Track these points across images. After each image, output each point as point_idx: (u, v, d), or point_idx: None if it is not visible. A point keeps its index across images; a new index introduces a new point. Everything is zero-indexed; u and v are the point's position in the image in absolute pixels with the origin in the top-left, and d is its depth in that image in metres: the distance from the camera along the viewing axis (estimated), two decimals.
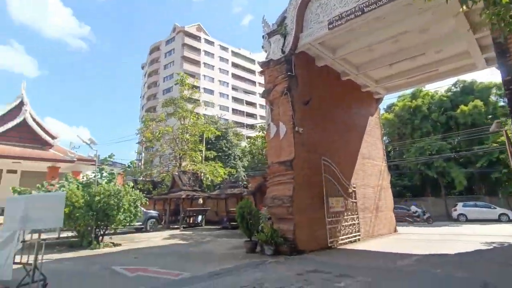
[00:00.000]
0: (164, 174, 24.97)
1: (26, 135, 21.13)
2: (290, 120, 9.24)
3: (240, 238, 13.06)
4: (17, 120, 21.00)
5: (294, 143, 9.15)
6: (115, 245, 11.20)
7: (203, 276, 6.41)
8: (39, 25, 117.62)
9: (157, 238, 13.51)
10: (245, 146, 34.09)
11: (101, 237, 11.16)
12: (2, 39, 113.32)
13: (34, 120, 22.12)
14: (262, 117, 64.87)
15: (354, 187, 11.72)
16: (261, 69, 10.62)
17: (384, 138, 24.54)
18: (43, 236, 6.50)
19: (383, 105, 17.15)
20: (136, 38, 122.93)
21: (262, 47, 10.58)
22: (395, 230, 14.09)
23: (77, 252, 9.68)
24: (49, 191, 11.04)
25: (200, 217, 19.06)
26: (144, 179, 24.21)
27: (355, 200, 11.59)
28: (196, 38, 61.10)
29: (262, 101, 67.35)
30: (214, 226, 18.88)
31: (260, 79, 69.11)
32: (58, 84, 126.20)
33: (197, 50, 60.07)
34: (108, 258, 8.75)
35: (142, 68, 72.25)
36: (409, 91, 27.99)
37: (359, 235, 11.29)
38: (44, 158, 20.28)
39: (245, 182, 22.81)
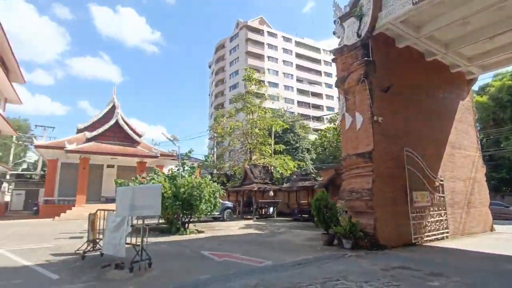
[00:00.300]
0: (236, 168, 26.20)
1: (119, 134, 24.47)
2: (367, 109, 8.70)
3: (313, 230, 13.00)
4: (111, 121, 24.44)
5: (372, 134, 8.61)
6: (198, 232, 12.24)
7: (286, 265, 6.57)
8: (121, 36, 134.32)
9: (234, 227, 14.30)
10: (315, 139, 33.45)
11: (186, 224, 12.32)
12: (95, 52, 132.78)
13: (124, 121, 25.46)
14: (328, 108, 62.77)
15: (442, 180, 10.60)
16: (333, 57, 10.19)
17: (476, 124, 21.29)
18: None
19: (474, 87, 14.65)
20: (202, 38, 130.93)
21: (334, 33, 10.11)
22: (492, 229, 12.30)
23: (168, 237, 10.86)
24: (142, 183, 12.60)
25: (271, 209, 19.53)
26: (218, 172, 25.84)
27: (443, 195, 10.52)
28: (259, 31, 61.87)
29: (329, 91, 65.22)
30: (286, 218, 19.14)
31: (326, 68, 66.65)
32: (137, 88, 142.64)
33: (260, 44, 60.85)
34: (196, 244, 9.62)
35: (209, 66, 76.46)
36: (510, 68, 23.59)
37: (447, 233, 10.26)
38: (136, 154, 23.23)
39: (313, 175, 22.49)
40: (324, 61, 67.44)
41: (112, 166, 25.50)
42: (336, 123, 27.30)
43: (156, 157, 23.58)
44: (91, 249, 7.30)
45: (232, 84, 59.29)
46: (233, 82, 59.27)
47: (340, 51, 9.70)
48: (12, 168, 34.18)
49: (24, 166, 42.96)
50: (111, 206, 13.02)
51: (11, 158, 36.85)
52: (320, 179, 21.35)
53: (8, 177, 32.36)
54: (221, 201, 14.84)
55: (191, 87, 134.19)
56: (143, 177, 13.54)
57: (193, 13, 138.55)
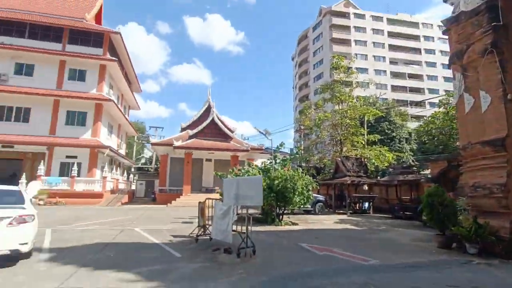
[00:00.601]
0: (325, 160, 25.42)
1: (214, 131, 26.71)
2: (498, 85, 7.07)
3: (420, 229, 11.58)
4: (208, 120, 26.82)
5: (506, 116, 6.96)
6: (293, 223, 12.36)
7: (396, 266, 5.97)
8: (210, 41, 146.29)
9: (328, 221, 13.92)
10: (419, 126, 29.60)
11: (281, 216, 12.59)
12: (189, 59, 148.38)
13: (218, 118, 27.63)
14: (431, 90, 54.75)
15: None
16: (445, 28, 8.65)
17: None
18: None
19: None
20: (284, 32, 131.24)
21: (445, 0, 8.58)
22: None
23: (264, 227, 11.27)
24: (238, 175, 13.42)
25: (367, 204, 18.24)
26: (307, 165, 25.60)
27: None
28: (344, 15, 58.16)
29: (431, 71, 56.92)
30: (383, 214, 17.60)
31: (427, 44, 58.39)
32: (225, 87, 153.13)
33: (346, 28, 57.18)
34: (292, 235, 9.73)
35: (292, 59, 76.22)
36: None
37: None
38: (230, 148, 25.03)
39: (414, 168, 20.01)
40: (424, 36, 58.82)
41: (210, 160, 28.11)
42: (448, 107, 23.38)
43: (247, 150, 24.92)
44: (202, 234, 8.15)
45: (317, 75, 57.60)
46: (318, 72, 57.52)
47: (456, 19, 8.14)
48: (135, 163, 41.50)
49: (143, 161, 51.51)
50: (211, 195, 14.38)
51: (134, 154, 44.83)
52: (425, 172, 18.84)
53: (132, 170, 39.41)
54: (313, 194, 14.63)
55: (274, 82, 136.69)
56: (238, 169, 14.41)
57: (274, 8, 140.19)
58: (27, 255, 5.67)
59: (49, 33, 24.24)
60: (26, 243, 5.36)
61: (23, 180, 19.30)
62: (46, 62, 23.49)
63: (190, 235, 8.57)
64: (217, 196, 15.72)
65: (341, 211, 18.62)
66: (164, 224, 11.48)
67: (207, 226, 8.18)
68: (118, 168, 31.65)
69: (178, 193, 24.28)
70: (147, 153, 52.54)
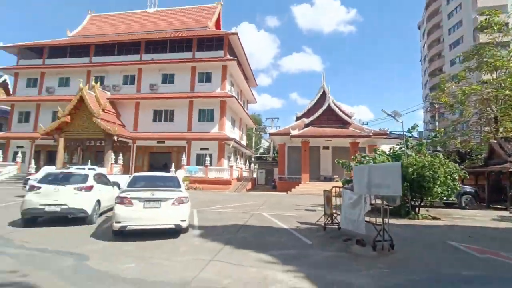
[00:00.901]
0: (471, 144, 20.56)
1: (331, 117, 25.73)
2: None
3: None
4: (324, 106, 26.03)
5: None
6: (433, 218, 10.57)
7: None
8: (319, 26, 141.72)
9: (482, 218, 11.24)
10: None
11: (417, 208, 10.96)
12: (298, 48, 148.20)
13: (334, 104, 26.46)
14: None
15: None
16: None
17: None
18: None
19: None
20: None
21: None
22: None
23: (397, 220, 9.98)
24: (361, 163, 12.40)
25: None
26: (446, 150, 21.40)
27: None
28: None
29: None
30: None
31: None
32: (337, 72, 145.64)
33: None
34: (435, 231, 8.32)
35: (419, 28, 65.20)
36: None
37: None
38: (349, 135, 23.71)
39: None
40: None
41: (327, 148, 27.40)
42: None
43: (368, 136, 23.01)
44: (329, 222, 7.91)
45: (454, 41, 47.12)
46: (455, 37, 46.97)
47: None
48: (254, 152, 44.99)
49: (261, 150, 55.34)
50: (331, 184, 13.77)
51: (253, 144, 48.71)
52: None
53: (253, 159, 42.88)
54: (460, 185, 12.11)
55: (394, 59, 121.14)
56: (362, 156, 13.37)
57: None
58: (185, 230, 6.84)
59: (182, 45, 28.81)
60: (184, 220, 6.48)
61: (172, 169, 23.78)
62: (182, 70, 28.05)
63: (317, 222, 8.48)
64: (338, 184, 15.07)
65: (498, 206, 14.85)
66: (288, 211, 11.82)
67: (335, 215, 7.87)
68: (241, 157, 34.96)
69: (297, 181, 24.74)
70: (264, 143, 56.12)
